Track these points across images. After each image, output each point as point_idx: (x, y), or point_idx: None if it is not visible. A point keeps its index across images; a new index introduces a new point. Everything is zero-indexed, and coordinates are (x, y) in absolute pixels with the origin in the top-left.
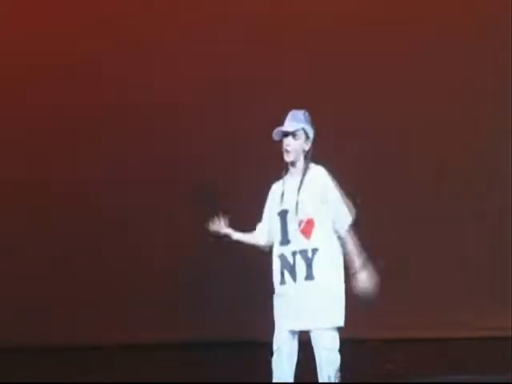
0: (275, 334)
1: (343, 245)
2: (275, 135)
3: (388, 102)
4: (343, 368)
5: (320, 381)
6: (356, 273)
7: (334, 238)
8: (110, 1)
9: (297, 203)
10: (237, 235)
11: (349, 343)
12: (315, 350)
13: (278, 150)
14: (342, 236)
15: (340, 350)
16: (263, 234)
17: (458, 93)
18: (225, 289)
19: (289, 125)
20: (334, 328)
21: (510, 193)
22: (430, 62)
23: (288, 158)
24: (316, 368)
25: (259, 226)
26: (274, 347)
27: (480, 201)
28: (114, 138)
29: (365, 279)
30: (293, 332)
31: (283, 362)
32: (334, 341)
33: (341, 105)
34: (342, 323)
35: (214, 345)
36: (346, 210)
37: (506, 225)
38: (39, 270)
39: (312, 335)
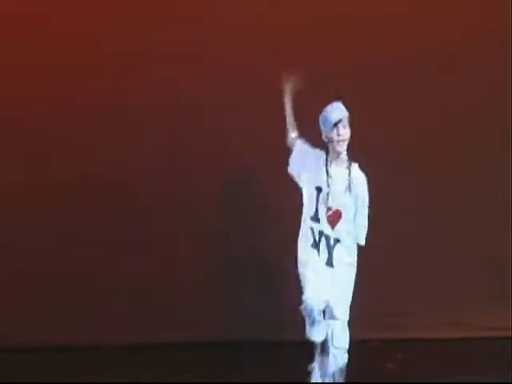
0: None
1: None
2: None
3: (386, 98)
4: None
5: (322, 374)
6: None
7: (354, 238)
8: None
9: (336, 191)
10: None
11: (349, 343)
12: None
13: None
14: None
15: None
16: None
17: (458, 93)
18: (219, 289)
19: (338, 113)
20: (345, 323)
21: (510, 192)
22: (430, 62)
23: (342, 147)
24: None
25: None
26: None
27: (480, 201)
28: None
29: None
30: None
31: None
32: (346, 339)
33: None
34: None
35: (215, 345)
36: (365, 220)
37: (506, 224)
38: (39, 270)
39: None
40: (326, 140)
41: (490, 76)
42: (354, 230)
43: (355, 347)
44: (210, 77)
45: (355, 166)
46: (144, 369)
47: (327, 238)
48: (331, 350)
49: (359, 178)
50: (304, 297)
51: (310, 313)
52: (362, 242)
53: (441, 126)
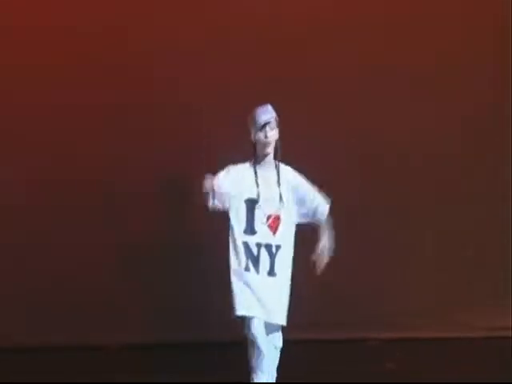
0: (247, 322)
1: (322, 230)
2: (257, 129)
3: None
4: (342, 367)
5: (258, 376)
6: (322, 253)
7: (293, 238)
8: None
9: (271, 197)
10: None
11: (349, 343)
12: (265, 346)
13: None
14: (323, 223)
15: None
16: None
17: (454, 93)
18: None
19: (266, 116)
20: (281, 327)
21: (510, 192)
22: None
23: (268, 149)
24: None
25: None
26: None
27: (480, 201)
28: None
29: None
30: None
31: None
32: (280, 340)
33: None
34: (285, 322)
35: (215, 345)
36: (321, 197)
37: (506, 224)
38: (39, 270)
39: (267, 330)
40: (253, 141)
41: (490, 76)
42: (293, 236)
43: (355, 347)
44: (210, 76)
45: (282, 165)
46: (144, 369)
47: (268, 247)
48: (270, 348)
49: (287, 171)
50: (246, 324)
51: (254, 341)
52: (327, 204)
53: (441, 127)
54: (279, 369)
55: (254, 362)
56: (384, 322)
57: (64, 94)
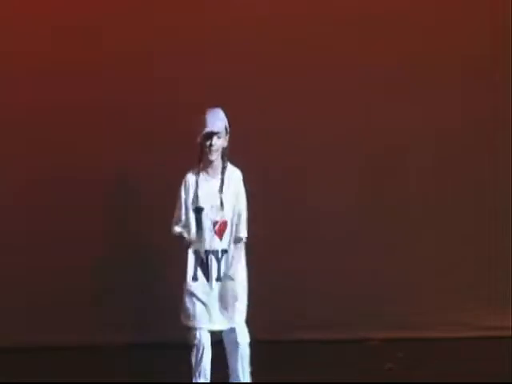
0: (193, 331)
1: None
2: (204, 136)
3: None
4: (342, 367)
5: (236, 374)
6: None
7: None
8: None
9: (216, 204)
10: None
11: (349, 343)
12: (230, 347)
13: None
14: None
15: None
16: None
17: (457, 94)
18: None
19: (215, 124)
20: (244, 323)
21: (511, 192)
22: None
23: (213, 157)
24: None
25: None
26: (191, 342)
27: (480, 200)
28: None
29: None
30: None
31: (200, 358)
32: (245, 336)
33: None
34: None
35: (215, 345)
36: (245, 224)
37: (507, 224)
38: (39, 269)
39: (226, 333)
40: (199, 146)
41: (490, 76)
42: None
43: (355, 347)
44: (210, 76)
45: (229, 167)
46: (144, 369)
47: (215, 253)
48: (236, 346)
49: (234, 175)
50: (193, 332)
51: (198, 349)
52: (245, 234)
53: (440, 125)
54: (279, 369)
55: (195, 363)
56: (384, 321)
57: (64, 94)
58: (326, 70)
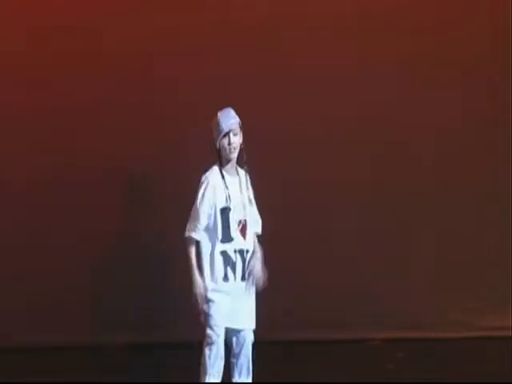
0: (213, 329)
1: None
2: (222, 132)
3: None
4: (342, 367)
5: (240, 374)
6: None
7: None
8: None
9: (238, 203)
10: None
11: (349, 343)
12: (241, 348)
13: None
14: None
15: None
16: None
17: (457, 92)
18: None
19: (231, 123)
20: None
21: (511, 192)
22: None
23: (234, 155)
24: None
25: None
26: (210, 341)
27: (480, 201)
28: None
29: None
30: (227, 329)
31: (217, 357)
32: (252, 335)
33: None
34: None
35: None
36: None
37: (507, 224)
38: (39, 269)
39: (241, 334)
40: (217, 147)
41: (490, 76)
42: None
43: (355, 347)
44: (210, 76)
45: (239, 168)
46: (143, 369)
47: (241, 253)
48: (245, 346)
49: (244, 176)
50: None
51: (217, 349)
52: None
53: (440, 125)
54: (279, 369)
55: (211, 363)
56: (384, 321)
57: (64, 94)
58: (325, 69)
